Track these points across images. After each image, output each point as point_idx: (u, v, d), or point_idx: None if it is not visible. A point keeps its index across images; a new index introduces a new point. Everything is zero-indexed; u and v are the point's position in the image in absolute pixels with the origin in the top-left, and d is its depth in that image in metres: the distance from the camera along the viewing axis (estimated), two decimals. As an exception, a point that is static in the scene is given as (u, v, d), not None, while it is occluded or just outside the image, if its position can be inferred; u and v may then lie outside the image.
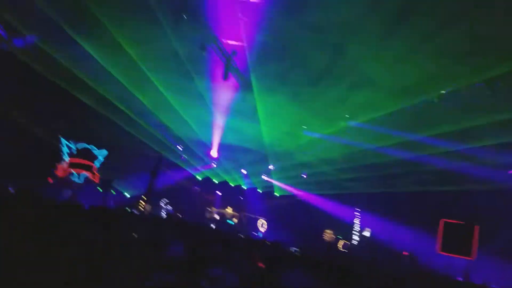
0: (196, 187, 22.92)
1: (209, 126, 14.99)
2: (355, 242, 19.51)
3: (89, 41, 10.21)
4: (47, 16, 9.08)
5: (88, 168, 16.14)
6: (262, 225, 21.95)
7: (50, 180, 15.33)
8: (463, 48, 7.88)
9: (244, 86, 11.40)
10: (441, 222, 13.41)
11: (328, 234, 19.83)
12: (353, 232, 19.77)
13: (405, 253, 15.15)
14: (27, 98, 12.17)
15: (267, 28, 8.94)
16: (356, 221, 19.85)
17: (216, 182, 23.15)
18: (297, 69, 10.70)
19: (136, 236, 6.58)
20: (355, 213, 19.94)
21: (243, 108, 12.73)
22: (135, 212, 15.20)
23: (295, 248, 11.23)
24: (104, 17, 9.13)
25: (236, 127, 14.54)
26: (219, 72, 10.84)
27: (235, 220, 22.00)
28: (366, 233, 19.16)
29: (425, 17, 7.50)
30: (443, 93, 9.78)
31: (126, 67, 10.90)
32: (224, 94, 11.98)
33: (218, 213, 22.21)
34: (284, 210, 22.02)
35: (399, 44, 8.39)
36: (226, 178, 22.67)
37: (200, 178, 22.72)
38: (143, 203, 17.60)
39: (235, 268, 5.52)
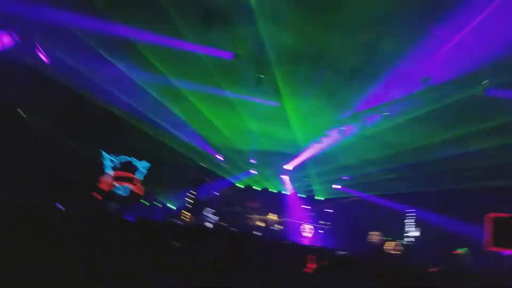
0: (238, 195, 22.96)
1: (244, 134, 15.02)
2: (406, 243, 18.77)
3: (121, 60, 10.58)
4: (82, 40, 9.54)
5: (131, 180, 16.54)
6: (306, 230, 21.67)
7: (98, 196, 15.86)
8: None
9: (272, 91, 11.29)
10: (489, 217, 12.66)
11: (375, 236, 19.18)
12: (403, 233, 19.01)
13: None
14: (65, 114, 12.70)
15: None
16: (406, 222, 19.09)
17: (259, 189, 23.10)
18: (328, 69, 10.50)
19: (179, 245, 6.71)
20: (405, 213, 19.19)
21: (273, 113, 12.65)
22: (180, 223, 15.46)
23: (342, 252, 10.86)
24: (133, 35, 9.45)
25: (270, 132, 14.49)
26: (247, 79, 10.85)
27: (279, 227, 21.83)
28: (416, 233, 18.36)
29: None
30: (486, 84, 9.23)
31: (156, 81, 11.14)
32: (254, 101, 11.94)
33: (262, 220, 22.13)
34: (327, 214, 21.60)
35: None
36: (267, 185, 22.59)
37: (242, 186, 22.77)
38: (188, 214, 17.89)
39: (283, 273, 5.48)
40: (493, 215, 13.18)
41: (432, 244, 17.23)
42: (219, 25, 8.91)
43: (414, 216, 18.86)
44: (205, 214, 21.00)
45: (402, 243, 18.57)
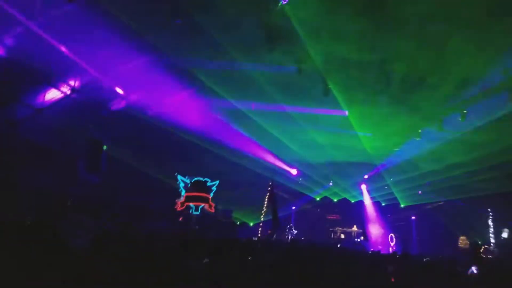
0: (316, 208, 22.63)
1: (313, 147, 14.84)
2: (494, 246, 17.23)
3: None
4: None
5: (205, 200, 16.90)
6: (391, 238, 20.70)
7: (180, 218, 16.52)
8: None
9: (339, 101, 11.02)
10: None
11: (462, 241, 17.76)
12: (490, 235, 17.43)
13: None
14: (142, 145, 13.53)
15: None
16: (493, 223, 17.50)
17: (335, 200, 22.55)
18: (396, 75, 10.02)
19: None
20: (490, 215, 17.64)
21: (341, 124, 12.36)
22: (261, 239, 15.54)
23: (427, 258, 10.33)
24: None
25: (339, 144, 14.18)
26: (312, 92, 10.74)
27: (362, 238, 21.07)
28: (504, 234, 16.68)
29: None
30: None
31: (223, 105, 11.48)
32: (320, 113, 11.78)
33: (343, 232, 21.52)
34: (410, 221, 20.52)
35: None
36: (345, 195, 21.96)
37: (318, 199, 22.38)
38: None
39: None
40: None
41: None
42: (282, 44, 8.97)
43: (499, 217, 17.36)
44: (286, 229, 21.02)
45: (494, 246, 17.20)
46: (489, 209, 18.38)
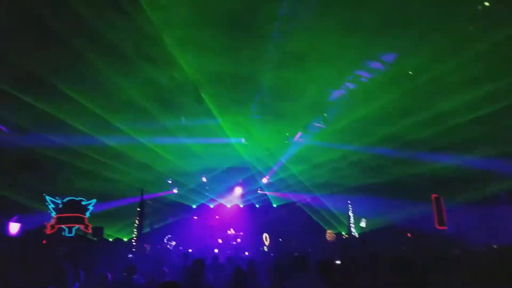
0: (194, 217, 22.60)
1: (189, 157, 14.92)
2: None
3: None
4: None
5: (80, 221, 15.77)
6: (265, 238, 21.71)
7: (44, 241, 15.06)
8: None
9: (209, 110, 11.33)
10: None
11: (329, 234, 19.66)
12: (351, 225, 19.59)
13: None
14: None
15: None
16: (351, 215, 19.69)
17: (211, 206, 22.90)
18: (263, 86, 10.66)
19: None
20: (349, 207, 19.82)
21: (213, 133, 12.74)
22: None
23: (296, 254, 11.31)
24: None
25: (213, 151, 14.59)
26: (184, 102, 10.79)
27: (239, 240, 21.71)
28: (362, 224, 18.92)
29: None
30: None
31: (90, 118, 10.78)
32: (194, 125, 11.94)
33: (221, 237, 21.88)
34: (282, 220, 21.96)
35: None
36: (221, 200, 22.47)
37: (194, 206, 22.46)
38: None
39: None
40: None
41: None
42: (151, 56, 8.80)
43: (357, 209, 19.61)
44: (165, 241, 20.54)
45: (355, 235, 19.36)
46: (349, 201, 20.52)
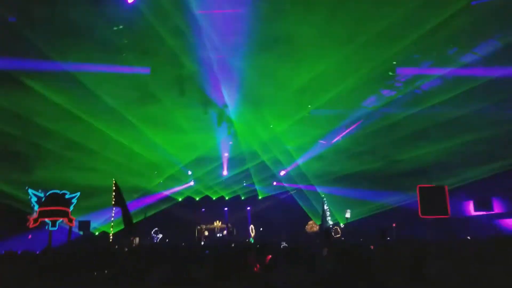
0: (178, 208, 22.50)
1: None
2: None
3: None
4: None
5: (63, 214, 15.57)
6: (251, 230, 21.83)
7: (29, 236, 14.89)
8: None
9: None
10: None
11: (310, 225, 19.81)
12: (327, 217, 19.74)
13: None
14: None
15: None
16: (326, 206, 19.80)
17: (197, 199, 22.83)
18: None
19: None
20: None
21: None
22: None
23: (284, 243, 12.09)
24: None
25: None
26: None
27: (225, 232, 21.80)
28: (347, 215, 19.16)
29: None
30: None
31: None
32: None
33: (207, 229, 21.91)
34: (266, 211, 22.11)
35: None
36: (207, 192, 22.38)
37: (180, 199, 22.34)
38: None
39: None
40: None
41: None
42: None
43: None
44: (153, 234, 20.44)
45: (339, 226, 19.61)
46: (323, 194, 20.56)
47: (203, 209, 22.83)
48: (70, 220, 15.58)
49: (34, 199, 15.12)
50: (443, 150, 14.35)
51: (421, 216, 12.96)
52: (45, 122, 12.30)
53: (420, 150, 14.92)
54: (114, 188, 12.54)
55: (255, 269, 6.03)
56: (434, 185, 13.36)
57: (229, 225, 22.16)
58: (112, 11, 8.24)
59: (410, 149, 14.98)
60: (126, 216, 15.49)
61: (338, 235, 18.92)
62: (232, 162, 18.48)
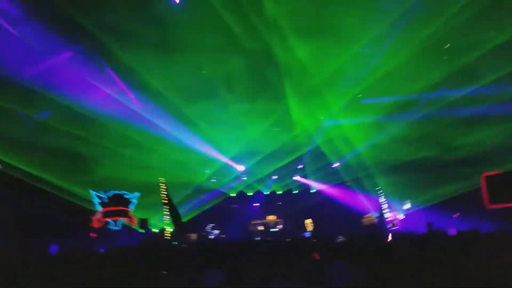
0: (233, 204, 22.69)
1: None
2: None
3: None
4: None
5: (124, 214, 16.16)
6: (309, 224, 21.46)
7: (93, 235, 15.57)
8: None
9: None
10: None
11: (369, 218, 19.24)
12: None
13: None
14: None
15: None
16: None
17: (251, 194, 22.87)
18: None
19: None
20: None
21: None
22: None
23: (341, 237, 11.67)
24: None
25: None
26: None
27: (280, 227, 21.63)
28: (407, 206, 18.48)
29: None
30: None
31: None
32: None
33: (262, 224, 21.87)
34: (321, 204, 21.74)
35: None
36: (259, 187, 22.38)
37: (233, 195, 22.51)
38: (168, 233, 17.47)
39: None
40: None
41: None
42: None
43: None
44: (208, 230, 20.75)
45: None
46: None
47: (256, 204, 22.86)
48: (131, 219, 16.14)
49: (97, 200, 15.81)
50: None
51: (488, 206, 12.23)
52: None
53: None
54: (163, 187, 12.78)
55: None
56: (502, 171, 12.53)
57: (282, 220, 21.98)
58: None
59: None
60: (174, 215, 15.69)
61: (395, 227, 18.33)
62: (283, 154, 18.35)
